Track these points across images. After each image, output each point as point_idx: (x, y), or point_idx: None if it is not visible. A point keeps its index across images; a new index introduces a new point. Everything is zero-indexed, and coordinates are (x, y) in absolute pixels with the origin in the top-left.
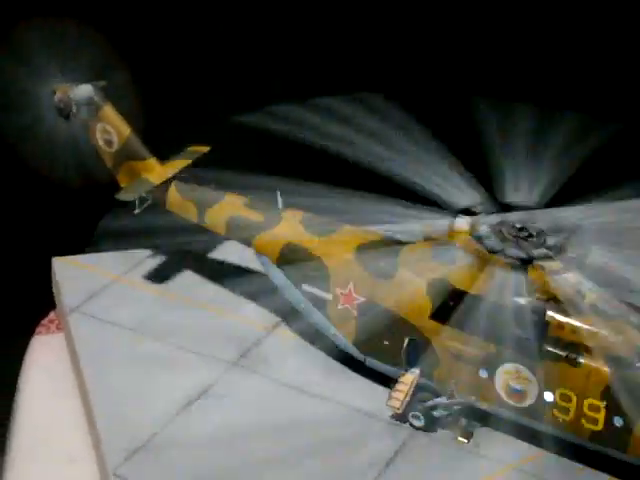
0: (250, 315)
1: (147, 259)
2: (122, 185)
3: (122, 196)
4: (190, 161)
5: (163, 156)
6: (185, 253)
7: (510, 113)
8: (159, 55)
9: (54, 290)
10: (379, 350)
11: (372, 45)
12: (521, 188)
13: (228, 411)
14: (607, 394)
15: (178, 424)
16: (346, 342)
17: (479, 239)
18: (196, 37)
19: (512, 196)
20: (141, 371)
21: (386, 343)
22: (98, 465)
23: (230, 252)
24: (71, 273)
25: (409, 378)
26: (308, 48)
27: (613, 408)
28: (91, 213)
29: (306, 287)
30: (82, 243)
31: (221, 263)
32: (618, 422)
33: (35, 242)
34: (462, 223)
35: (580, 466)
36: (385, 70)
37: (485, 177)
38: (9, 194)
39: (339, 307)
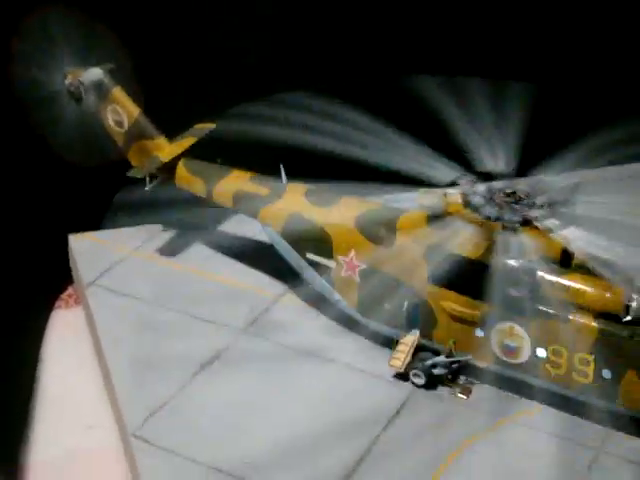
0: (258, 284)
1: (159, 233)
2: (133, 163)
3: (133, 174)
4: (197, 138)
5: (171, 134)
6: (195, 226)
7: (476, 88)
8: (163, 41)
9: (71, 265)
10: (381, 313)
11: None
12: (495, 158)
13: (239, 374)
14: (596, 348)
15: (193, 387)
16: (349, 307)
17: (475, 208)
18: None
19: (489, 166)
20: (156, 339)
21: (387, 307)
22: (119, 428)
23: (237, 225)
24: (87, 249)
25: (410, 339)
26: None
27: (602, 361)
28: (104, 191)
29: (310, 256)
30: (96, 219)
31: (229, 235)
32: (607, 375)
33: (52, 220)
34: (454, 195)
35: (573, 417)
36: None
37: (458, 152)
38: (25, 175)
39: (342, 274)
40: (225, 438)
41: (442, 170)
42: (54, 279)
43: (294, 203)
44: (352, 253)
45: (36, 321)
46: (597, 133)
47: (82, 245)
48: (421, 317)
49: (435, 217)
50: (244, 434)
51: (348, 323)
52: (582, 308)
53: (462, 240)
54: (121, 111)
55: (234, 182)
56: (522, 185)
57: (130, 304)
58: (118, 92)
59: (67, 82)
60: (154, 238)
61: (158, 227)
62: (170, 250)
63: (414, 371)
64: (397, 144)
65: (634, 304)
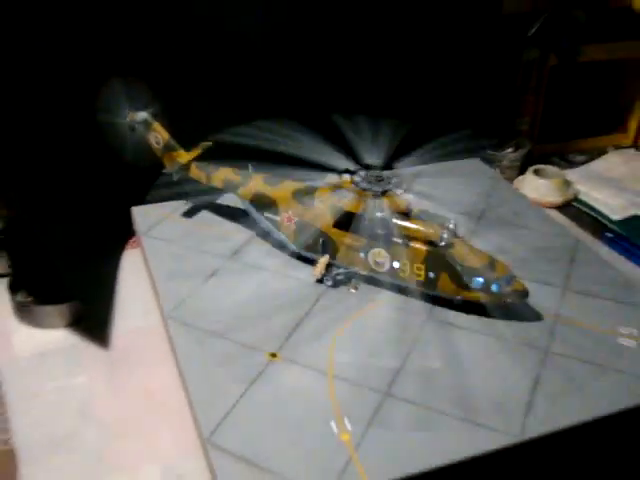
0: (237, 232)
1: (182, 206)
2: (165, 165)
3: (166, 170)
4: (201, 151)
5: (187, 147)
6: (202, 201)
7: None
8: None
9: (134, 224)
10: (307, 246)
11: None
12: (372, 157)
13: (229, 282)
14: (425, 261)
15: (203, 290)
16: (290, 243)
17: (357, 184)
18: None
19: (368, 161)
20: (181, 262)
21: (311, 242)
22: (161, 315)
23: (226, 199)
24: (143, 214)
25: (324, 260)
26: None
27: (428, 268)
28: (148, 182)
29: (267, 214)
30: (145, 198)
31: (221, 205)
32: (431, 275)
33: (122, 199)
34: (346, 177)
35: (414, 299)
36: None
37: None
38: (107, 172)
39: (285, 224)
40: (222, 316)
41: (340, 162)
42: (126, 232)
43: (257, 185)
44: (290, 211)
45: (117, 255)
46: (434, 142)
47: (140, 212)
48: (330, 247)
49: (335, 189)
50: (241, 320)
51: (292, 253)
52: (417, 239)
53: (349, 202)
54: (159, 136)
55: (223, 173)
56: (385, 172)
57: (166, 245)
58: (157, 125)
59: (127, 119)
60: (179, 208)
61: (182, 202)
62: (191, 215)
63: (326, 277)
64: (313, 148)
65: (445, 235)
